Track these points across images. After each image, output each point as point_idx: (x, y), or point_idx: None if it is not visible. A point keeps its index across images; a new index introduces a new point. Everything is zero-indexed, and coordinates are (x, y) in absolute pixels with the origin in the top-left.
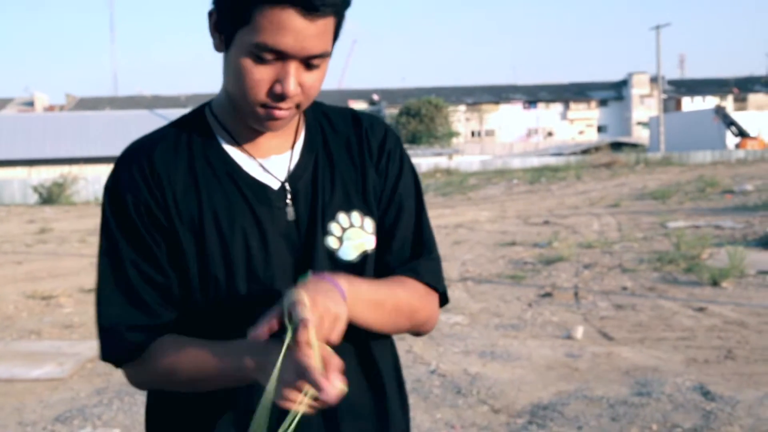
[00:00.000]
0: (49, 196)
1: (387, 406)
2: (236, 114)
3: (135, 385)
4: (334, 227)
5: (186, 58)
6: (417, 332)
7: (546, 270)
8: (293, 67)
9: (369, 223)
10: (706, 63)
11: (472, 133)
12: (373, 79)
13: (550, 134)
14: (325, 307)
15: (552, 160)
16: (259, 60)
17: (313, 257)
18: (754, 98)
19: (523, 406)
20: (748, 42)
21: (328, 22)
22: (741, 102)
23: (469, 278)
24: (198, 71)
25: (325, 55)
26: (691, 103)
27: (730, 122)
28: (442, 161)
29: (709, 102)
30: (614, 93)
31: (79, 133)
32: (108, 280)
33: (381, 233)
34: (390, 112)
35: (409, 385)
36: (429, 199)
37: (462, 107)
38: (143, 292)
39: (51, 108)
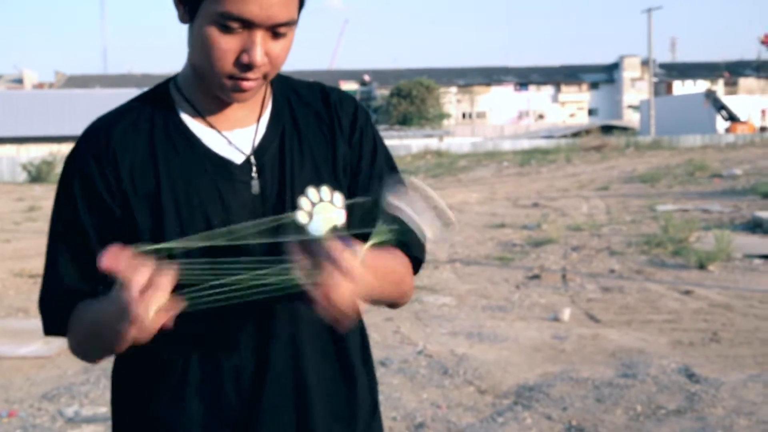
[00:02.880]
0: (38, 174)
1: (355, 385)
2: (201, 86)
3: (73, 354)
4: (303, 201)
5: (177, 36)
6: (396, 304)
7: (534, 252)
8: (260, 36)
9: (338, 198)
10: (697, 47)
11: (463, 115)
12: (365, 59)
13: (541, 117)
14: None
15: (542, 143)
16: (225, 29)
17: (283, 233)
18: (744, 82)
19: (509, 387)
20: (739, 26)
21: None
22: (731, 86)
23: (458, 260)
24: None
25: (291, 23)
26: (682, 87)
27: (720, 106)
28: (433, 143)
29: (700, 86)
30: (605, 76)
31: (69, 111)
32: (47, 252)
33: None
34: (381, 93)
35: (395, 366)
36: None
37: (453, 89)
38: (66, 266)
39: (40, 85)
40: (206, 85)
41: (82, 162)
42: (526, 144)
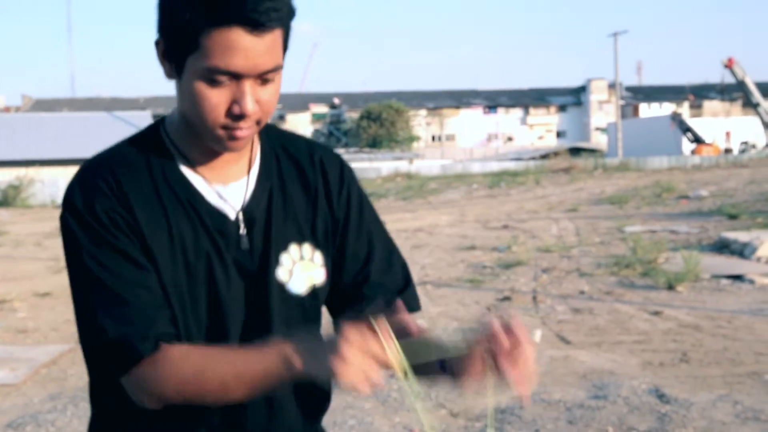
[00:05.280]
0: (5, 199)
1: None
2: (193, 138)
3: (146, 396)
4: (285, 258)
5: (145, 60)
6: None
7: (505, 274)
8: (248, 86)
9: (319, 257)
10: (662, 70)
11: (433, 138)
12: (335, 82)
13: (510, 139)
14: None
15: (511, 165)
16: (213, 83)
17: (266, 288)
18: (709, 105)
19: (482, 410)
20: (704, 50)
21: (276, 36)
22: (696, 108)
23: (429, 282)
24: (158, 73)
25: (277, 69)
26: (648, 109)
27: (686, 128)
28: (403, 165)
29: (666, 108)
30: (573, 99)
31: (36, 135)
32: (97, 294)
33: (353, 265)
34: (351, 116)
35: None
36: (389, 203)
37: (423, 112)
38: (137, 297)
39: (6, 109)
40: (199, 137)
41: (101, 196)
42: (495, 166)
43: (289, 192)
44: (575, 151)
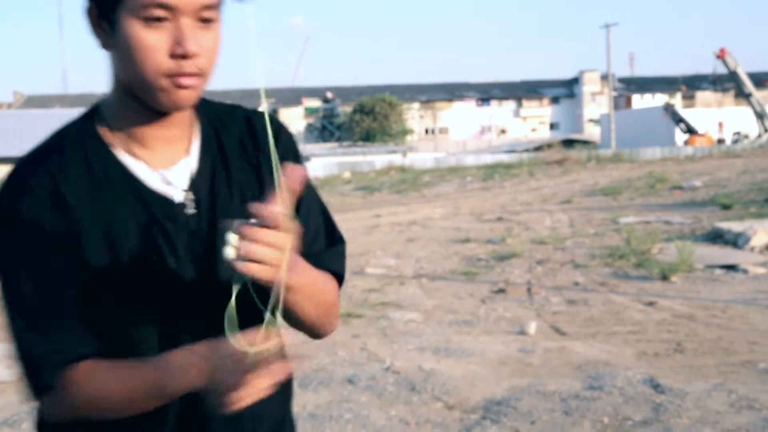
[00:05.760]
0: None
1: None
2: (132, 115)
3: (55, 417)
4: (231, 237)
5: None
6: (319, 330)
7: (499, 266)
8: (187, 24)
9: None
10: (655, 61)
11: (426, 131)
12: (327, 76)
13: (503, 131)
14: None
15: (505, 158)
16: (149, 22)
17: (216, 268)
18: (701, 96)
19: (477, 402)
20: (696, 41)
21: None
22: (689, 99)
23: (423, 275)
24: None
25: (217, 5)
26: (641, 101)
27: (678, 119)
28: (396, 159)
29: (659, 99)
30: (566, 91)
31: (28, 131)
32: (18, 311)
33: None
34: (344, 110)
35: (363, 383)
36: (383, 196)
37: (416, 105)
38: (52, 319)
39: None
40: (140, 106)
41: (33, 207)
42: (488, 159)
43: (232, 167)
44: (568, 143)
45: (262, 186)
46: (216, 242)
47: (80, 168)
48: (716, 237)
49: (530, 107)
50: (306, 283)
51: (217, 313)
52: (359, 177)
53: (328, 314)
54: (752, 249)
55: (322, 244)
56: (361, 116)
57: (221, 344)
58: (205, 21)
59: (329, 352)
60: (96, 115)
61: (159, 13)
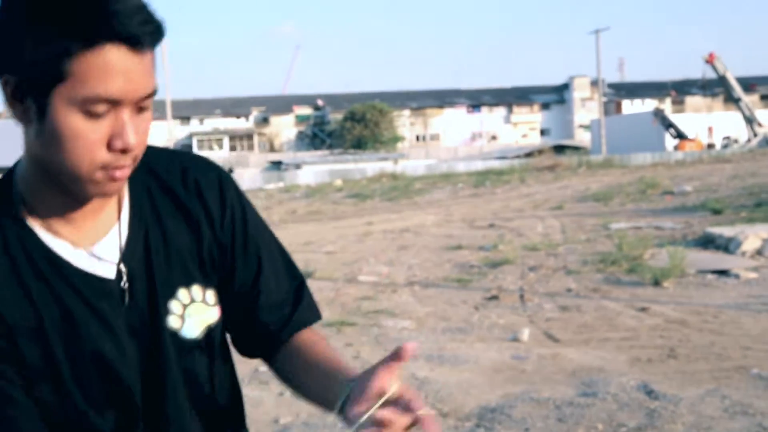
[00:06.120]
0: None
1: None
2: (52, 193)
3: None
4: (174, 306)
5: None
6: None
7: (492, 273)
8: (127, 115)
9: (211, 295)
10: (645, 66)
11: (417, 138)
12: (318, 84)
13: (494, 138)
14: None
15: (496, 164)
16: (90, 116)
17: (160, 340)
18: (691, 101)
19: (471, 410)
20: (685, 46)
21: (151, 56)
22: (679, 104)
23: (416, 282)
24: None
25: (154, 93)
26: (630, 106)
27: (668, 124)
28: (388, 166)
29: (648, 105)
30: (556, 96)
31: (19, 142)
32: None
33: (246, 289)
34: (335, 117)
35: None
36: (375, 204)
37: (406, 112)
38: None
39: None
40: (64, 189)
41: None
42: (480, 165)
43: (169, 229)
44: (559, 149)
45: (200, 250)
46: (157, 314)
47: None
48: (707, 242)
49: (521, 113)
50: None
51: (158, 385)
52: (351, 184)
53: None
54: (743, 254)
55: (291, 297)
56: (352, 124)
57: None
58: (142, 109)
59: None
60: (12, 185)
61: (102, 108)
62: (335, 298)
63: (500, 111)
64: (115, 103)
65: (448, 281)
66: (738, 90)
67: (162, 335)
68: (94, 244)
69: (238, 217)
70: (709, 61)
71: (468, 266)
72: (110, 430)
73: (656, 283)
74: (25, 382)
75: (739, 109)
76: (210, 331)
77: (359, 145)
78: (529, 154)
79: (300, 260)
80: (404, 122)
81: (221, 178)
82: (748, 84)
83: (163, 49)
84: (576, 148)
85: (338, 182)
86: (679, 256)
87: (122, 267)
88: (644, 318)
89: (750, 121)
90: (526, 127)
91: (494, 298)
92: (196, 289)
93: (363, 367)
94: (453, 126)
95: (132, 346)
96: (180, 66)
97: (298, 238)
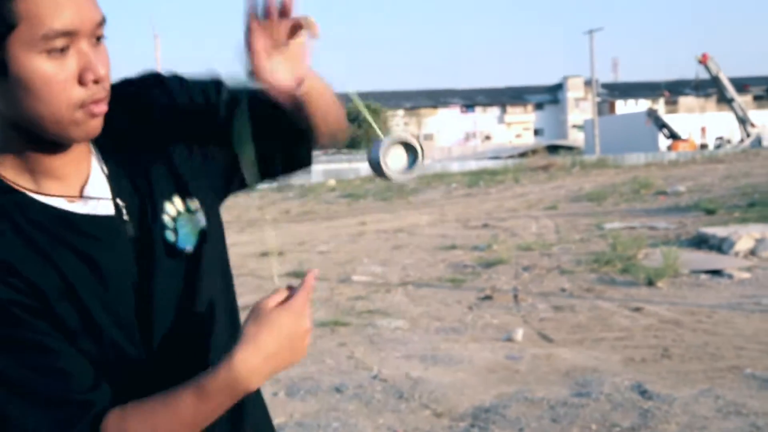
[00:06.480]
0: None
1: None
2: (28, 154)
3: None
4: (166, 220)
5: (123, 64)
6: (333, 130)
7: (486, 273)
8: (87, 47)
9: (192, 202)
10: (638, 67)
11: None
12: None
13: (487, 138)
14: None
15: (490, 164)
16: (53, 54)
17: (153, 257)
18: (684, 101)
19: (465, 410)
20: (678, 46)
21: None
22: (672, 105)
23: (410, 282)
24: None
25: (105, 21)
26: (624, 106)
27: (662, 124)
28: None
29: (642, 105)
30: (550, 96)
31: None
32: (18, 398)
33: (216, 105)
34: None
35: (350, 391)
36: (368, 204)
37: (400, 112)
38: (62, 383)
39: None
40: (44, 145)
41: None
42: (473, 165)
43: (134, 150)
44: (553, 149)
45: (169, 156)
46: (151, 235)
47: (6, 228)
48: (701, 242)
49: (514, 113)
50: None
51: (182, 301)
52: (344, 184)
53: (336, 108)
54: (737, 254)
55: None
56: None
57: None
58: (98, 39)
59: (316, 360)
60: None
61: (62, 42)
62: (329, 298)
63: (494, 111)
64: (72, 36)
65: (442, 281)
66: (731, 90)
67: (169, 255)
68: (83, 189)
69: (164, 94)
70: (702, 61)
71: (462, 266)
72: (153, 369)
73: (650, 283)
74: (62, 335)
75: (732, 109)
76: (204, 235)
77: (353, 145)
78: (522, 154)
79: (293, 260)
80: (398, 122)
81: (142, 80)
82: (741, 84)
83: (156, 46)
84: (570, 148)
85: (332, 182)
86: (673, 256)
87: (119, 201)
88: (638, 318)
89: (743, 121)
90: (519, 127)
91: (488, 298)
92: (177, 200)
93: (357, 367)
94: (447, 126)
95: (150, 274)
96: (178, 66)
97: (292, 238)
